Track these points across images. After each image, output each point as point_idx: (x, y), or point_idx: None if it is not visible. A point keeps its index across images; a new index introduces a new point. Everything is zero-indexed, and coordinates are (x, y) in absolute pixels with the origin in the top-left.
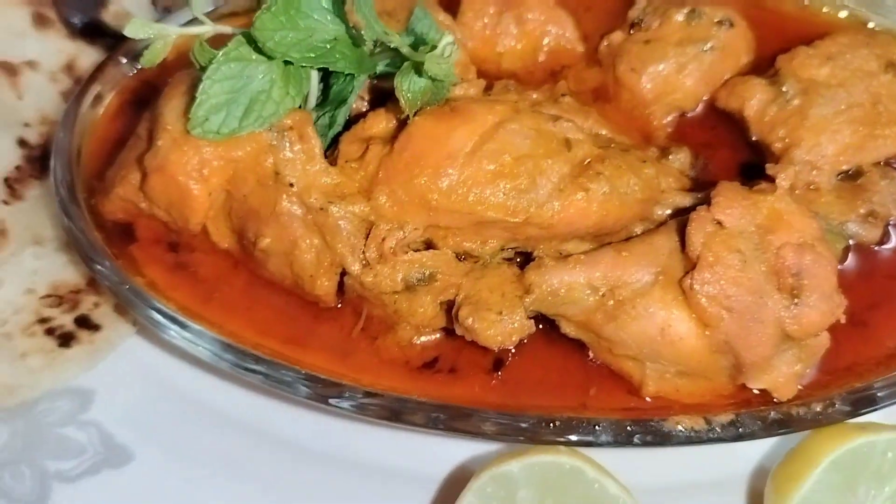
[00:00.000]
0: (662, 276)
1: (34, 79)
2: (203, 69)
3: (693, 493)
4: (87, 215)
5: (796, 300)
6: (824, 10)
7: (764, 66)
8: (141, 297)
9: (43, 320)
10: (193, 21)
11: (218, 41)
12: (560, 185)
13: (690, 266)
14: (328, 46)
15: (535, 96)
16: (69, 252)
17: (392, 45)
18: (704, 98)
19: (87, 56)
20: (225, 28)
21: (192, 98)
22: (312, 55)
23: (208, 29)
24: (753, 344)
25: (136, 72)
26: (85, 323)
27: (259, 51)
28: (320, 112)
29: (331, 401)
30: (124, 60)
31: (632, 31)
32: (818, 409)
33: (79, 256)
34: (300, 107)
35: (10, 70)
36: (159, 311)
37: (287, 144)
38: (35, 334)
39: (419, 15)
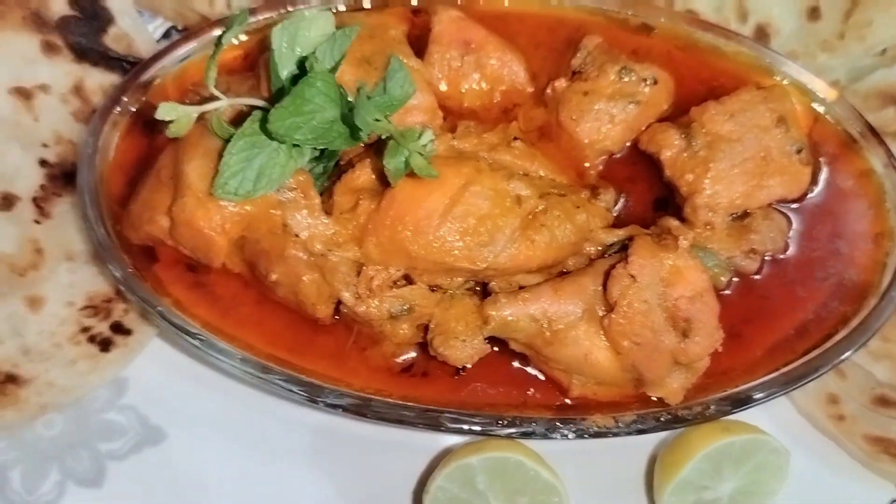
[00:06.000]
0: (587, 312)
1: (47, 101)
2: (225, 141)
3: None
4: (116, 240)
5: (686, 338)
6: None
7: (683, 104)
8: (172, 320)
9: (84, 329)
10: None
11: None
12: (512, 237)
13: (608, 307)
14: (327, 127)
15: (491, 138)
16: (98, 264)
17: (385, 136)
18: (629, 142)
19: (93, 77)
20: (237, 101)
21: (209, 161)
22: (313, 136)
23: (224, 104)
24: (653, 368)
25: (143, 100)
26: (119, 329)
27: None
28: (315, 163)
29: (318, 400)
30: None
31: (573, 78)
32: (697, 411)
33: (117, 285)
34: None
35: (25, 94)
36: (188, 332)
37: (292, 203)
38: (80, 342)
39: (395, 66)
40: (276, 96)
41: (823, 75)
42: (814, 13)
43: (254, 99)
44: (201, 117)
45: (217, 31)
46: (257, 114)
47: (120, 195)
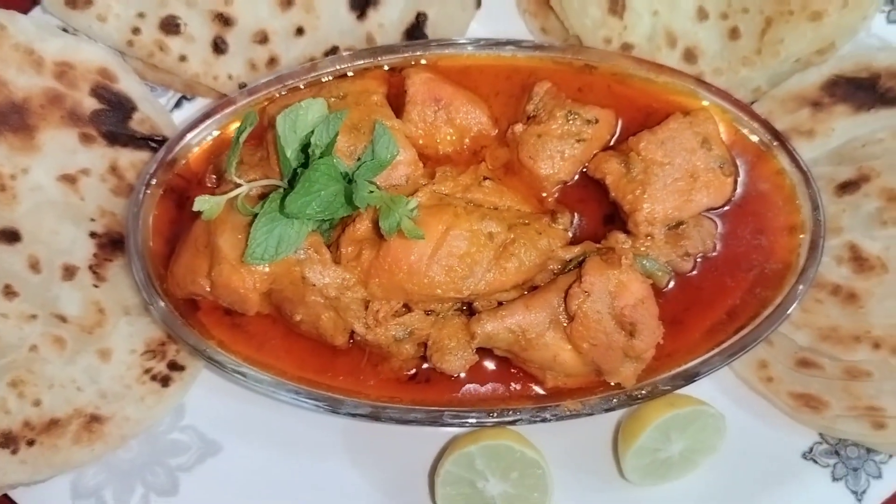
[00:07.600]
0: (553, 322)
1: (89, 182)
2: (252, 217)
3: (579, 429)
4: (164, 297)
5: (633, 337)
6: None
7: (626, 129)
8: (219, 360)
9: (147, 371)
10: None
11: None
12: (488, 268)
13: (569, 317)
14: (331, 200)
15: (465, 180)
16: (149, 314)
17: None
18: (579, 171)
19: (125, 157)
20: (255, 185)
21: (236, 233)
22: (321, 210)
23: (245, 189)
24: (608, 362)
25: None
26: (174, 366)
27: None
28: (323, 223)
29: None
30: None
31: (528, 123)
32: (648, 390)
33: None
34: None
35: (71, 179)
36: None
37: (308, 260)
38: (145, 382)
39: (379, 131)
40: (285, 174)
41: (746, 84)
42: (734, 33)
43: (268, 180)
44: None
45: (228, 110)
46: (274, 195)
47: (161, 253)
